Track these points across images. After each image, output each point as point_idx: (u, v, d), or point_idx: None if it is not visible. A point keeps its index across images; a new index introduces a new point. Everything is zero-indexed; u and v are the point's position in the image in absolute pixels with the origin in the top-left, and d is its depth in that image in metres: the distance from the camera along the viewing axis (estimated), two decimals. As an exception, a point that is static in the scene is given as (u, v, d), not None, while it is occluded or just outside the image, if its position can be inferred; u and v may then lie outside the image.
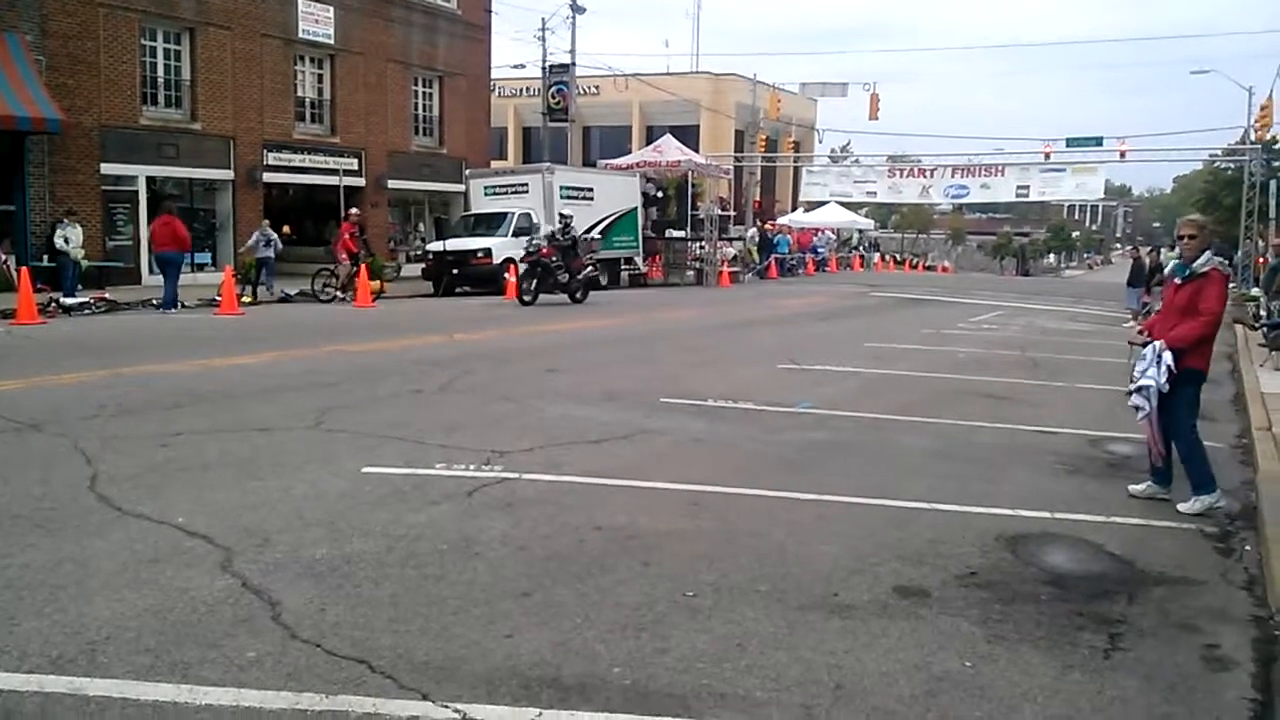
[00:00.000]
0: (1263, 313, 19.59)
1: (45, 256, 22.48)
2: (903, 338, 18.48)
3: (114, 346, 14.50)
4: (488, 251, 26.75)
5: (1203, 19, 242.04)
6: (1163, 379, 7.04)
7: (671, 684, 4.18)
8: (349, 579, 5.23)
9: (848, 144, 78.76)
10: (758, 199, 54.28)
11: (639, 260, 34.60)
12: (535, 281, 22.75)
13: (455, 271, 26.97)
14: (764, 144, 52.87)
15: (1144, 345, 7.37)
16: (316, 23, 30.52)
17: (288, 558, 5.50)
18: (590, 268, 24.71)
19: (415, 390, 11.10)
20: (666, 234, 36.45)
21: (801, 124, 58.92)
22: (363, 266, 23.70)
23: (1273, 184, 37.33)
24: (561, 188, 30.10)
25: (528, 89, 52.72)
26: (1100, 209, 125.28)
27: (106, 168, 25.39)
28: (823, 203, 53.38)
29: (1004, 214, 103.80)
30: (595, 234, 31.12)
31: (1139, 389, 7.15)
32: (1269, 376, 13.80)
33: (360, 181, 32.09)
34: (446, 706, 3.90)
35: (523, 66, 45.02)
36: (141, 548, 5.57)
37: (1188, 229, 7.44)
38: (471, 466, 7.58)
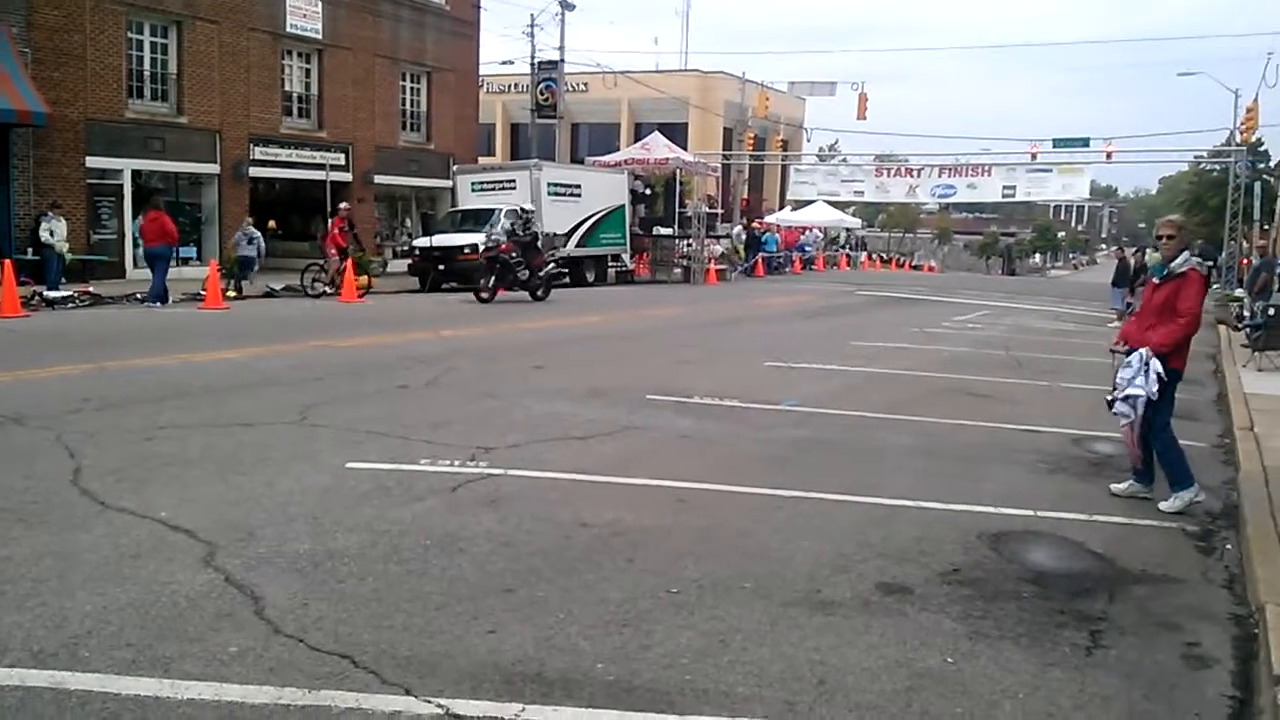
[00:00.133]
0: (1246, 313, 19.71)
1: (29, 249, 22.34)
2: (888, 336, 18.53)
3: (98, 340, 14.44)
4: (475, 248, 26.66)
5: (1190, 22, 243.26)
6: (1153, 387, 7.07)
7: (655, 680, 4.19)
8: (332, 574, 5.23)
9: (836, 143, 79.13)
10: (745, 197, 54.28)
11: (626, 257, 34.64)
12: (493, 278, 22.26)
13: (442, 267, 26.90)
14: (752, 142, 52.90)
15: (1126, 354, 7.40)
16: (304, 17, 30.40)
17: (271, 553, 5.49)
18: (552, 264, 24.17)
19: (401, 386, 11.08)
20: (654, 231, 36.46)
21: (790, 123, 58.95)
22: (349, 262, 23.61)
23: (1257, 186, 37.55)
24: (549, 184, 30.08)
25: (516, 85, 52.62)
26: (1086, 209, 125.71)
27: (92, 161, 25.24)
28: (810, 201, 53.39)
29: (990, 214, 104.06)
30: (583, 230, 31.25)
31: (1126, 397, 7.15)
32: (1251, 377, 13.88)
33: (347, 177, 31.99)
34: (429, 701, 3.90)
35: (511, 63, 44.90)
36: (124, 542, 5.55)
37: (1166, 229, 7.51)
38: (456, 462, 7.58)
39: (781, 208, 57.59)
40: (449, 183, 33.30)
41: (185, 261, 26.87)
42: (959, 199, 50.95)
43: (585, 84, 53.27)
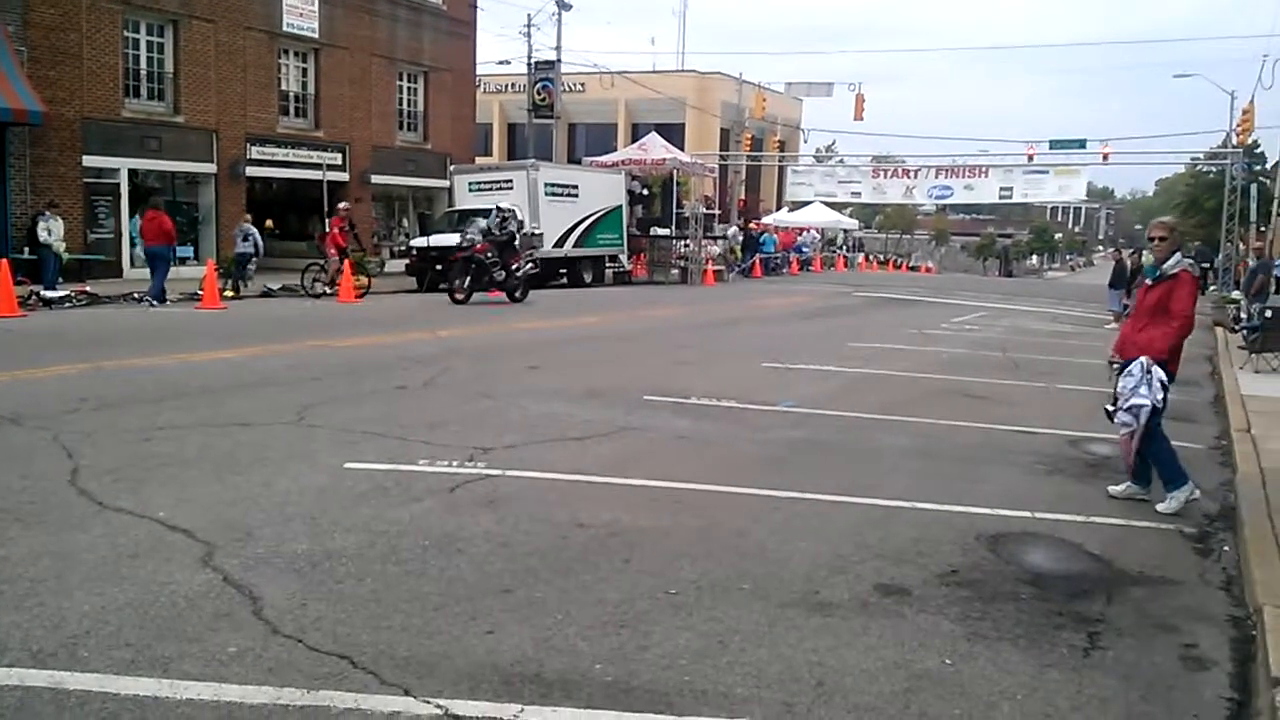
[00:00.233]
0: (1243, 315, 19.73)
1: (26, 249, 22.32)
2: (886, 338, 18.53)
3: (95, 340, 14.42)
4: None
5: (1187, 24, 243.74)
6: (1158, 395, 7.09)
7: (653, 680, 4.19)
8: (331, 574, 5.23)
9: (833, 144, 79.07)
10: (743, 198, 54.32)
11: (624, 258, 34.63)
12: (468, 279, 21.67)
13: (439, 267, 26.87)
14: (749, 143, 52.93)
15: (1124, 366, 7.43)
16: (301, 16, 30.37)
17: (269, 553, 5.49)
18: (530, 264, 23.56)
19: (398, 386, 11.08)
20: (651, 232, 36.46)
21: (787, 123, 59.00)
22: (347, 262, 23.59)
23: (1253, 188, 37.63)
24: (546, 185, 30.06)
25: (513, 85, 52.58)
26: (1083, 211, 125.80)
27: (88, 160, 25.22)
28: (807, 202, 53.45)
29: (987, 215, 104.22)
30: (580, 230, 31.21)
31: (1130, 408, 7.14)
32: (1248, 379, 13.90)
33: (344, 176, 31.98)
34: (428, 702, 3.90)
35: (508, 63, 44.90)
36: (122, 542, 5.55)
37: (1158, 231, 7.55)
38: (454, 463, 7.57)
39: (779, 209, 57.63)
40: (446, 183, 33.29)
41: (183, 261, 26.79)
42: (956, 200, 51.01)
43: (582, 84, 53.25)
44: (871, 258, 63.21)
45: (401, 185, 35.54)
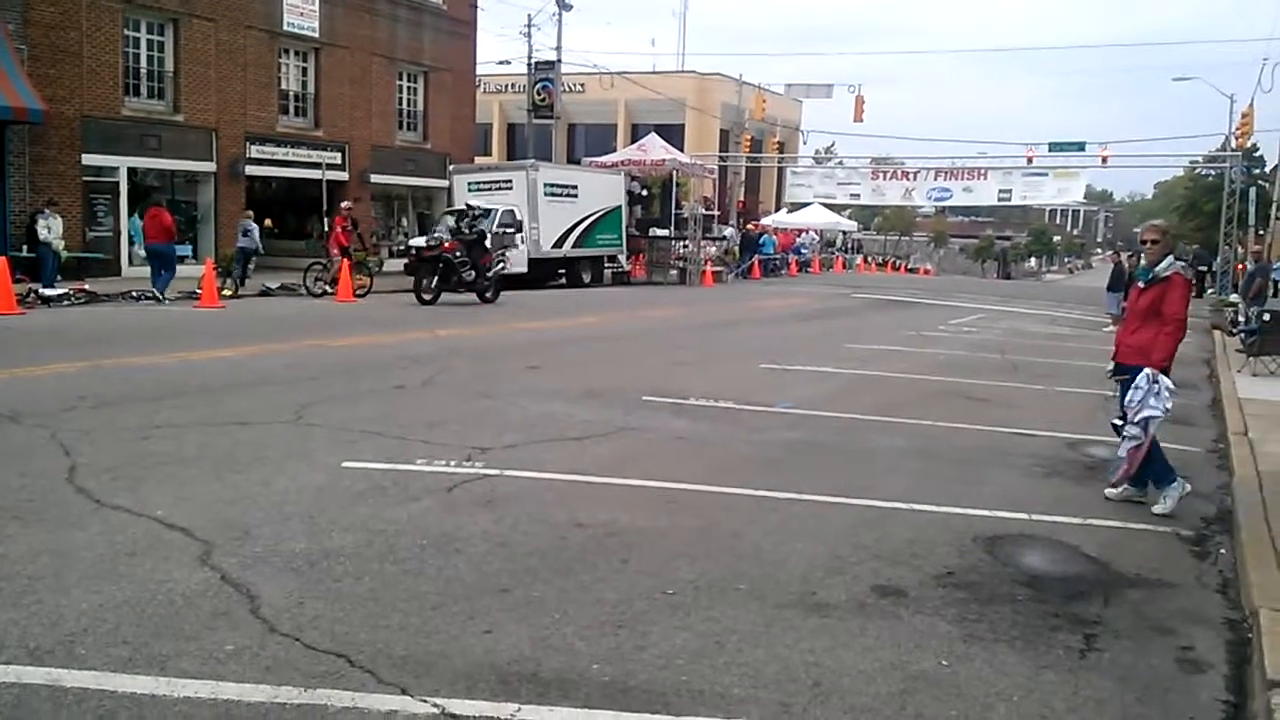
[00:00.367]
0: (1241, 319, 19.74)
1: (25, 247, 22.30)
2: (884, 339, 18.55)
3: (93, 338, 14.42)
4: None
5: (1186, 27, 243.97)
6: (1167, 404, 7.12)
7: (650, 680, 4.20)
8: (328, 573, 5.23)
9: (832, 145, 79.00)
10: (742, 199, 54.31)
11: (623, 258, 34.64)
12: (435, 279, 21.03)
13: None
14: (749, 144, 52.90)
15: (1118, 368, 7.48)
16: (301, 15, 30.35)
17: (267, 551, 5.49)
18: (501, 264, 22.81)
19: (396, 386, 11.08)
20: (650, 233, 36.47)
21: (786, 125, 59.00)
22: (344, 261, 23.56)
23: (1252, 191, 37.67)
24: (546, 185, 30.07)
25: (513, 85, 52.55)
26: (1081, 214, 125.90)
27: (88, 158, 25.18)
28: (806, 204, 53.48)
29: (986, 217, 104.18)
30: (579, 230, 31.21)
31: (1141, 420, 7.14)
32: (1246, 382, 13.92)
33: (344, 176, 31.95)
34: (425, 701, 3.91)
35: (508, 63, 44.91)
36: (120, 540, 5.55)
37: (1150, 234, 7.58)
38: (452, 462, 7.58)
39: (778, 210, 57.63)
40: (445, 182, 33.29)
41: (181, 260, 26.79)
42: (955, 202, 51.09)
43: (582, 85, 53.24)
44: (870, 259, 63.20)
45: (401, 185, 35.52)
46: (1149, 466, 7.29)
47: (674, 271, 35.95)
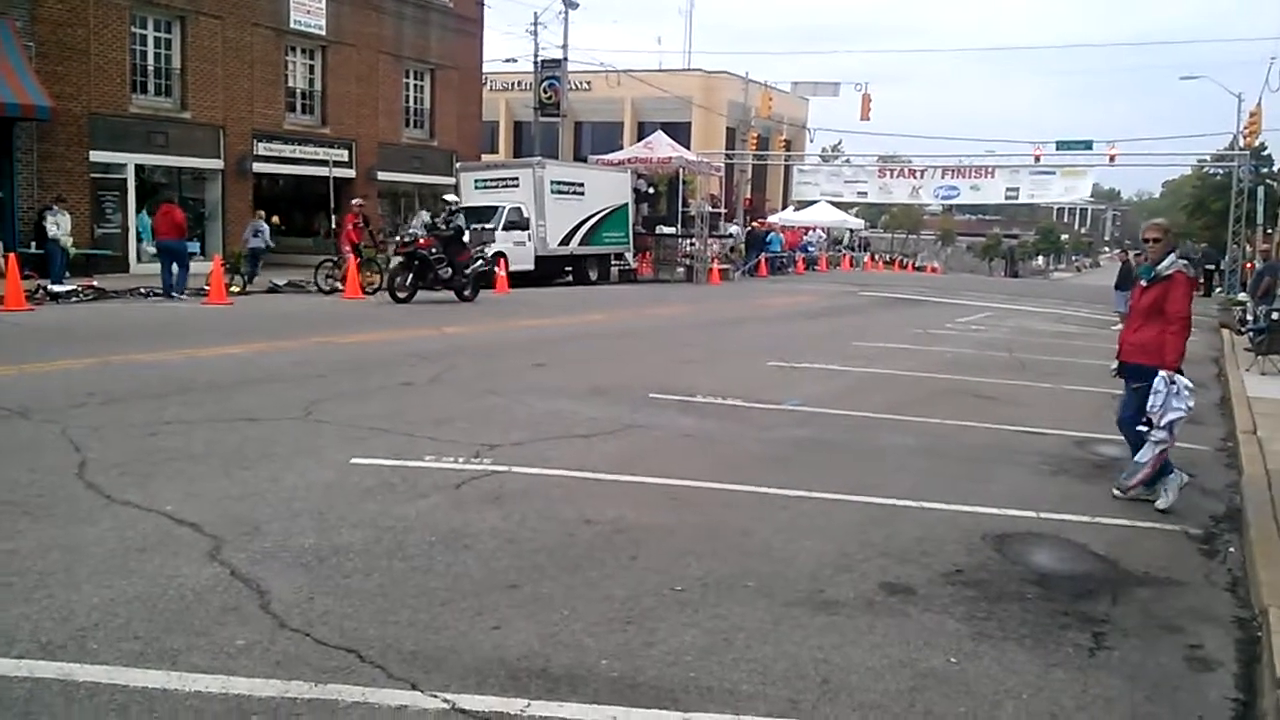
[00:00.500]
0: (1249, 318, 19.69)
1: (33, 243, 22.37)
2: (891, 337, 18.53)
3: (102, 334, 14.45)
4: None
5: (1193, 25, 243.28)
6: (1189, 402, 7.16)
7: (659, 676, 4.21)
8: (338, 569, 5.24)
9: (839, 143, 78.89)
10: (749, 197, 54.24)
11: (629, 256, 34.67)
12: (410, 276, 20.44)
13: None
14: (755, 142, 52.84)
15: (1121, 366, 7.49)
16: (308, 13, 30.41)
17: (276, 547, 5.51)
18: (480, 261, 22.03)
19: (404, 383, 11.10)
20: (657, 230, 36.48)
21: (793, 123, 58.88)
22: (352, 258, 23.57)
23: (1260, 190, 37.54)
24: (552, 182, 30.08)
25: (520, 83, 52.58)
26: (1089, 212, 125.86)
27: (95, 155, 25.26)
28: (813, 202, 53.36)
29: (993, 216, 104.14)
30: (586, 228, 31.22)
31: (1167, 424, 7.13)
32: (1254, 381, 13.89)
33: (350, 173, 32.01)
34: (435, 696, 3.92)
35: (515, 60, 45.06)
36: (130, 535, 5.57)
37: (1152, 232, 7.57)
38: (460, 459, 7.59)
39: (785, 208, 57.61)
40: (452, 180, 33.33)
41: (191, 256, 26.84)
42: (962, 200, 50.88)
43: (589, 83, 53.26)
44: (877, 257, 63.13)
45: (408, 182, 35.58)
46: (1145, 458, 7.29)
47: (681, 269, 35.96)
